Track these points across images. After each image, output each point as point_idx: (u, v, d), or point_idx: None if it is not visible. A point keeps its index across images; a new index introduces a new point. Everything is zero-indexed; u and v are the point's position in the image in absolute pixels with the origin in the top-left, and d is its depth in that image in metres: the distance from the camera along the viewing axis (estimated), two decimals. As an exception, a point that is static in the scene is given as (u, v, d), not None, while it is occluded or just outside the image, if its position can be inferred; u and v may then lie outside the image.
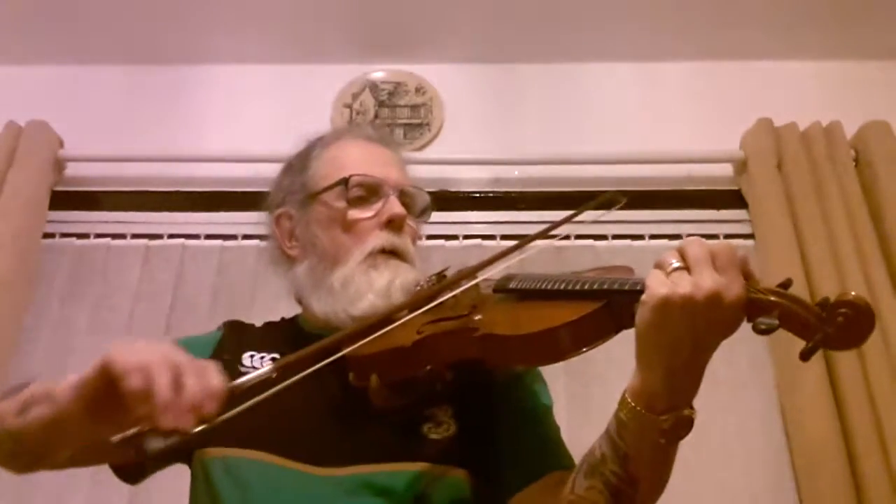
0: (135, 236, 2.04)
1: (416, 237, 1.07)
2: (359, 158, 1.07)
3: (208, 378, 0.67)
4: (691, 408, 0.73)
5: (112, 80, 2.26)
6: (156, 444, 0.65)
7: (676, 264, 0.69)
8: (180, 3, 2.11)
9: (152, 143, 2.12)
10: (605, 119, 2.17)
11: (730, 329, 0.69)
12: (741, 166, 2.03)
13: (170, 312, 1.93)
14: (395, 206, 1.02)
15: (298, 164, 1.11)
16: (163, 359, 0.66)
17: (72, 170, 2.12)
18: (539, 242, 0.96)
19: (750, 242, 1.95)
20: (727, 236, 1.98)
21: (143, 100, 2.24)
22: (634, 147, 2.07)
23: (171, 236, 2.04)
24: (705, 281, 0.67)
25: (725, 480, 1.73)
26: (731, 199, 2.05)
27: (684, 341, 0.69)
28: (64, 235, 2.04)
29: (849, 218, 1.87)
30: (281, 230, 1.10)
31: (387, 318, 0.89)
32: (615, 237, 1.98)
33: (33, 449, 0.80)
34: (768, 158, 1.97)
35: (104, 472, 1.72)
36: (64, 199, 2.08)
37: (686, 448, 1.82)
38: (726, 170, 2.08)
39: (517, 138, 2.15)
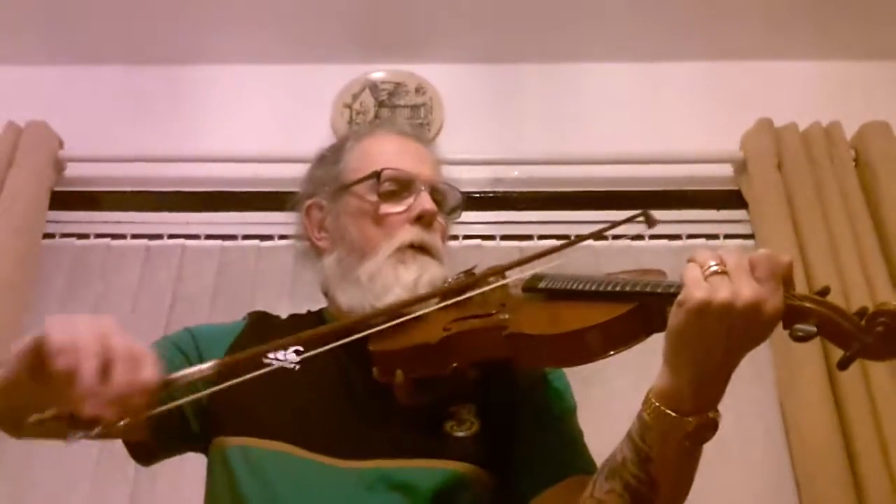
0: (135, 236, 2.04)
1: (445, 234, 1.07)
2: (392, 152, 1.06)
3: (140, 370, 0.63)
4: (716, 411, 0.73)
5: (112, 80, 2.26)
6: (75, 434, 0.61)
7: (715, 267, 0.68)
8: (180, 3, 2.11)
9: (152, 143, 2.12)
10: (605, 119, 2.17)
11: (763, 337, 0.69)
12: (741, 166, 2.03)
13: (170, 312, 1.92)
14: (425, 202, 1.01)
15: (331, 156, 1.11)
16: (96, 342, 0.62)
17: (72, 170, 2.12)
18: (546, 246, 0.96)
19: (750, 242, 1.95)
20: (727, 236, 1.98)
21: (143, 100, 2.24)
22: (634, 147, 2.07)
23: (171, 236, 2.04)
24: (745, 290, 0.66)
25: (725, 480, 1.73)
26: (731, 199, 2.05)
27: (716, 346, 0.69)
28: (64, 235, 2.04)
29: (849, 218, 1.87)
30: (311, 220, 1.09)
31: (406, 305, 0.88)
32: (615, 238, 1.98)
33: (5, 413, 0.79)
34: (768, 158, 1.97)
35: (104, 471, 1.73)
36: (64, 199, 2.08)
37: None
38: (726, 170, 2.08)
39: (517, 138, 2.15)
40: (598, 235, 1.01)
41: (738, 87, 2.21)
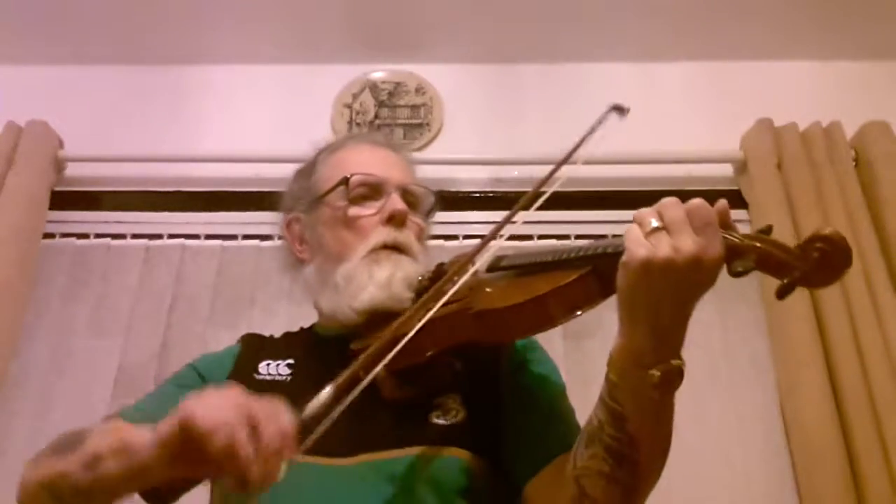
0: (135, 236, 2.04)
1: (421, 234, 1.09)
2: (361, 160, 1.09)
3: (282, 421, 0.69)
4: (680, 358, 0.73)
5: (112, 80, 2.26)
6: (255, 490, 0.66)
7: (655, 224, 0.70)
8: (180, 3, 2.11)
9: (152, 143, 2.12)
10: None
11: (711, 283, 0.70)
12: (741, 166, 2.03)
13: (170, 312, 1.93)
14: (396, 203, 1.04)
15: (306, 171, 1.14)
16: (238, 412, 0.67)
17: (72, 170, 2.12)
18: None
19: (750, 242, 1.95)
20: (727, 236, 1.98)
21: (143, 100, 2.24)
22: (634, 147, 2.07)
23: (171, 236, 2.04)
24: (685, 244, 0.67)
25: (725, 480, 1.73)
26: (731, 199, 2.02)
27: (665, 299, 0.70)
28: (64, 235, 2.04)
29: (849, 218, 1.87)
30: (292, 235, 1.12)
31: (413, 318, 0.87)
32: (615, 237, 1.98)
33: (102, 500, 0.82)
34: (768, 158, 1.97)
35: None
36: (64, 199, 2.08)
37: (686, 447, 1.82)
38: (726, 170, 2.08)
39: (517, 138, 2.15)
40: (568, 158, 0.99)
41: (738, 87, 2.21)
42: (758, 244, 0.67)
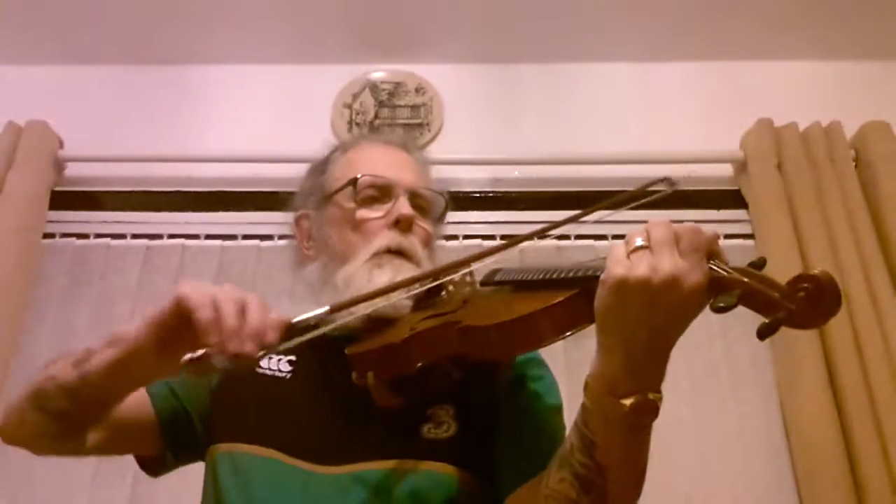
0: (135, 236, 2.04)
1: (427, 239, 1.08)
2: (372, 161, 1.08)
3: (269, 312, 0.73)
4: (658, 392, 0.71)
5: (112, 80, 2.26)
6: (222, 362, 0.69)
7: (640, 243, 0.68)
8: (180, 3, 2.11)
9: (152, 143, 2.12)
10: (605, 119, 2.17)
11: (692, 313, 0.68)
12: (741, 166, 2.03)
13: (170, 312, 1.92)
14: (402, 207, 1.03)
15: (318, 168, 1.14)
16: (229, 294, 0.72)
17: (72, 170, 2.12)
18: (538, 241, 0.95)
19: (750, 242, 1.95)
20: (727, 236, 1.98)
21: (143, 100, 2.24)
22: (634, 147, 2.07)
23: (171, 236, 2.04)
24: (664, 264, 0.65)
25: (725, 480, 1.73)
26: (731, 199, 2.05)
27: (642, 324, 0.67)
28: (64, 235, 2.04)
29: (849, 218, 1.87)
30: (300, 231, 1.12)
31: (368, 297, 0.88)
32: (615, 237, 1.98)
33: (87, 403, 0.83)
34: (768, 158, 1.97)
35: (104, 471, 1.73)
36: (64, 199, 2.08)
37: (686, 447, 1.82)
38: (726, 170, 2.08)
39: (517, 138, 2.15)
40: (617, 204, 1.00)
41: (738, 87, 2.21)
42: (745, 279, 0.64)
